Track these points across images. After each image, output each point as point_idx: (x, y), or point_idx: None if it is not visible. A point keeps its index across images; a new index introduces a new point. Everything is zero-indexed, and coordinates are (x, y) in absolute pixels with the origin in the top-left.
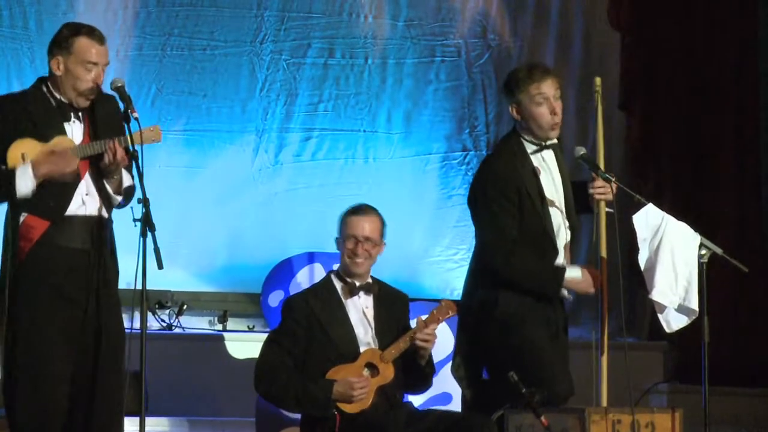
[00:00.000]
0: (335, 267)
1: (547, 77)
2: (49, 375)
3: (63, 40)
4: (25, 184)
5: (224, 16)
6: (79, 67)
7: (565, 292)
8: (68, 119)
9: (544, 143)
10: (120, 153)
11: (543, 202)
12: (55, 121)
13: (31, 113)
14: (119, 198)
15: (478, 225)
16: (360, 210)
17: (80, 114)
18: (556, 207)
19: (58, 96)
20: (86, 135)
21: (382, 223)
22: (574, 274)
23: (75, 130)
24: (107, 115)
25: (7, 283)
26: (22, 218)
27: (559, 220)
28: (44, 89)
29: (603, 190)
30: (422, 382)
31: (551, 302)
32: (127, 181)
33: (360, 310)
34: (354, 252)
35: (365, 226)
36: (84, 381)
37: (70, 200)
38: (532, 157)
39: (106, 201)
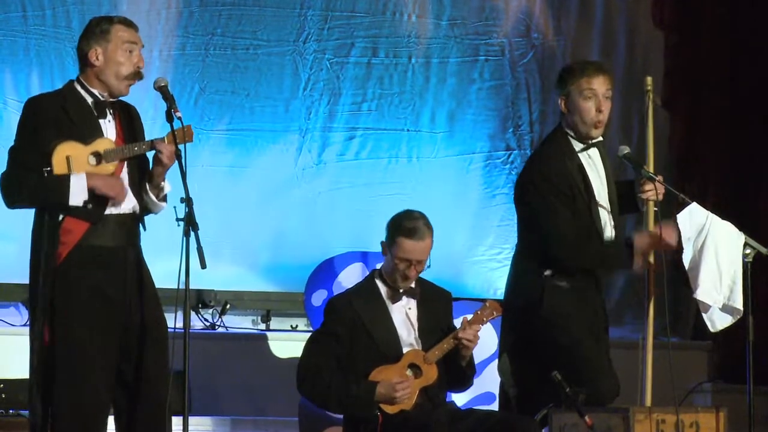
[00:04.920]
0: (378, 266)
1: (599, 74)
2: (92, 378)
3: (99, 31)
4: (78, 196)
5: (267, 16)
6: (119, 51)
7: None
8: (104, 116)
9: (589, 141)
10: (168, 150)
11: (591, 200)
12: (91, 119)
13: (68, 112)
14: (163, 204)
15: (534, 220)
16: (416, 233)
17: (113, 112)
18: (603, 205)
19: (94, 91)
20: (119, 133)
21: (432, 239)
22: (641, 241)
23: (109, 129)
24: (131, 119)
25: (47, 291)
26: (59, 220)
27: (605, 218)
28: (78, 87)
29: (652, 192)
30: (462, 383)
31: (593, 304)
32: (167, 188)
33: (403, 311)
34: (406, 274)
35: (421, 251)
36: (129, 379)
37: (108, 200)
38: (579, 155)
39: (139, 197)
